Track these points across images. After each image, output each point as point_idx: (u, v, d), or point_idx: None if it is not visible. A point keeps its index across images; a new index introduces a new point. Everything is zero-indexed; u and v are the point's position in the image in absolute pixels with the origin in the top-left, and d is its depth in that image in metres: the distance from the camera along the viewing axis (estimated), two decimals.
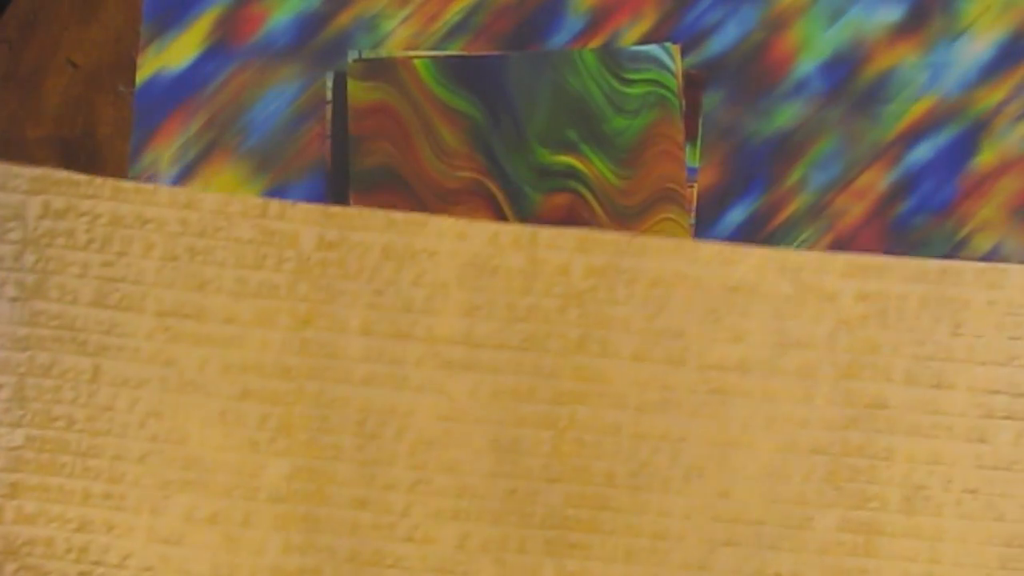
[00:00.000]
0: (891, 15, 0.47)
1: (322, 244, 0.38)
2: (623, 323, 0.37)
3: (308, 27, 0.48)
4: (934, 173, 0.46)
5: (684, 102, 0.47)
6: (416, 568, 0.37)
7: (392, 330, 0.38)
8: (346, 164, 0.47)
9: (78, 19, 0.49)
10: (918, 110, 0.46)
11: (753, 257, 0.37)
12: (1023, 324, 0.37)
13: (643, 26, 0.47)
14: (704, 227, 0.46)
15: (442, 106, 0.47)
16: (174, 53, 0.48)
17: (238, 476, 0.38)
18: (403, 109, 0.47)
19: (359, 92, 0.47)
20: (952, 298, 0.37)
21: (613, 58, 0.47)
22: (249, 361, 0.38)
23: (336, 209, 0.39)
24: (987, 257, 0.45)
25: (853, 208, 0.46)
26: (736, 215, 0.46)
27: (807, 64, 0.47)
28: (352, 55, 0.47)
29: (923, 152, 0.46)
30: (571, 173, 0.46)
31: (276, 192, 0.47)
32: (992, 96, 0.46)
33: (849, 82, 0.47)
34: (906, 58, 0.47)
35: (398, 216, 0.39)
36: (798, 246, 0.46)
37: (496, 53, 0.47)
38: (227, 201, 0.39)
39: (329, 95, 0.47)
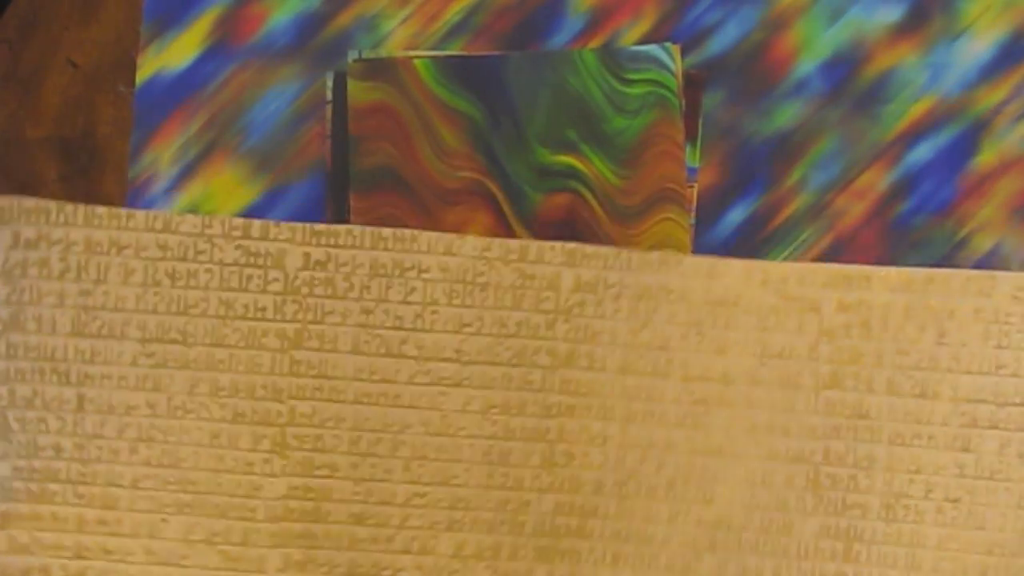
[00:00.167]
0: (891, 15, 0.47)
1: (308, 263, 0.38)
2: (610, 336, 0.38)
3: (308, 27, 0.48)
4: (934, 173, 0.46)
5: (684, 102, 0.47)
6: None
7: (383, 348, 0.38)
8: (346, 164, 0.47)
9: (78, 19, 0.49)
10: (918, 110, 0.46)
11: (737, 269, 0.37)
12: (1010, 332, 0.37)
13: (643, 26, 0.47)
14: (704, 227, 0.46)
15: (442, 106, 0.47)
16: (174, 53, 0.48)
17: (234, 497, 0.38)
18: (403, 109, 0.47)
19: (359, 92, 0.47)
20: (937, 307, 0.37)
21: (613, 58, 0.47)
22: (240, 383, 0.38)
23: (322, 227, 0.39)
24: (987, 257, 0.45)
25: (853, 208, 0.46)
26: (736, 215, 0.46)
27: (807, 64, 0.47)
28: (352, 55, 0.47)
29: (923, 152, 0.46)
30: (571, 173, 0.46)
31: (276, 192, 0.47)
32: (992, 96, 0.46)
33: (849, 82, 0.47)
34: (906, 58, 0.47)
35: (386, 232, 0.39)
36: (798, 246, 0.46)
37: (496, 53, 0.47)
38: (207, 223, 0.38)
39: (329, 95, 0.47)
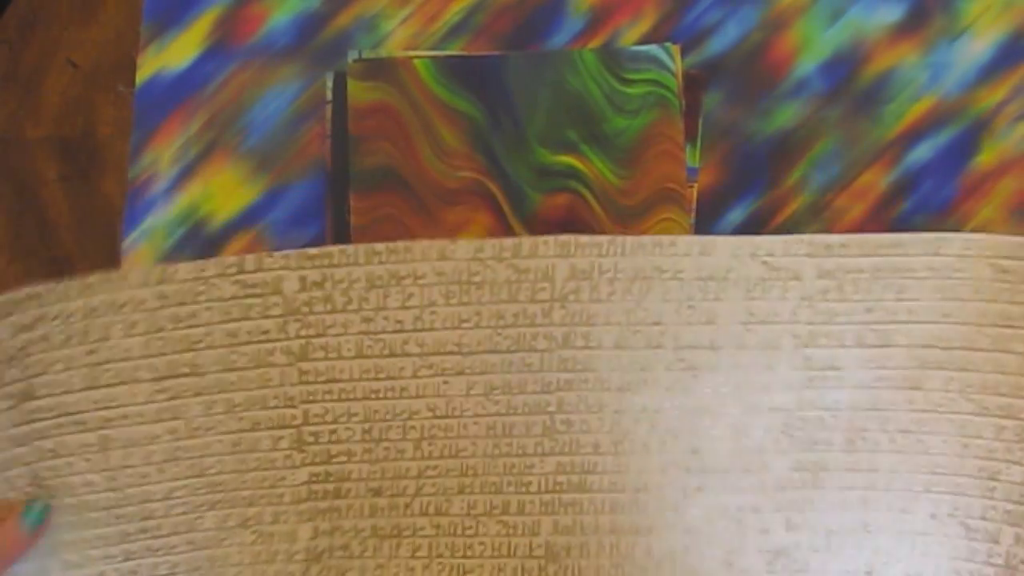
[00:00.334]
0: (891, 15, 0.47)
1: (305, 285, 0.41)
2: (605, 318, 0.41)
3: (308, 27, 0.48)
4: (934, 173, 0.46)
5: (684, 102, 0.47)
6: (431, 534, 0.42)
7: (386, 350, 0.41)
8: (346, 164, 0.47)
9: (78, 19, 0.49)
10: (918, 110, 0.46)
11: (728, 245, 0.41)
12: (955, 287, 0.41)
13: (643, 26, 0.47)
14: (704, 227, 0.46)
15: (442, 106, 0.47)
16: (174, 53, 0.48)
17: (260, 489, 0.42)
18: (403, 109, 0.47)
19: (359, 92, 0.47)
20: (899, 267, 0.41)
21: (613, 58, 0.47)
22: (253, 398, 0.41)
23: (314, 251, 0.41)
24: None
25: (853, 208, 0.46)
26: (736, 215, 0.46)
27: (807, 64, 0.47)
28: (352, 55, 0.47)
29: (923, 152, 0.46)
30: (571, 173, 0.46)
31: (276, 192, 0.47)
32: (992, 96, 0.46)
33: (849, 82, 0.47)
34: (906, 58, 0.47)
35: (379, 247, 0.41)
36: None
37: (496, 53, 0.47)
38: (201, 267, 0.41)
39: (329, 95, 0.47)
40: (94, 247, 0.47)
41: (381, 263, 0.41)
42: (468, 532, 0.42)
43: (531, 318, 0.41)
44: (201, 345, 0.41)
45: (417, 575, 0.42)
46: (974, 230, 0.45)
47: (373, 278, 0.41)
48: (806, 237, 0.41)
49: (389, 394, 0.41)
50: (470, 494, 0.42)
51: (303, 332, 0.41)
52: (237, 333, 0.41)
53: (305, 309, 0.41)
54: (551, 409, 0.42)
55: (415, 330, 0.41)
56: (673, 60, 0.47)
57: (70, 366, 0.41)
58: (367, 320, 0.41)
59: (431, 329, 0.41)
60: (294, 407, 0.41)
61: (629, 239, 0.41)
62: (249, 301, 0.41)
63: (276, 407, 0.41)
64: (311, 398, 0.41)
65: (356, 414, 0.41)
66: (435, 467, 0.42)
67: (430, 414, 0.42)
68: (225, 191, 0.47)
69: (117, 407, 0.41)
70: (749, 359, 0.41)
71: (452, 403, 0.41)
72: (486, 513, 0.42)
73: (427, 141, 0.46)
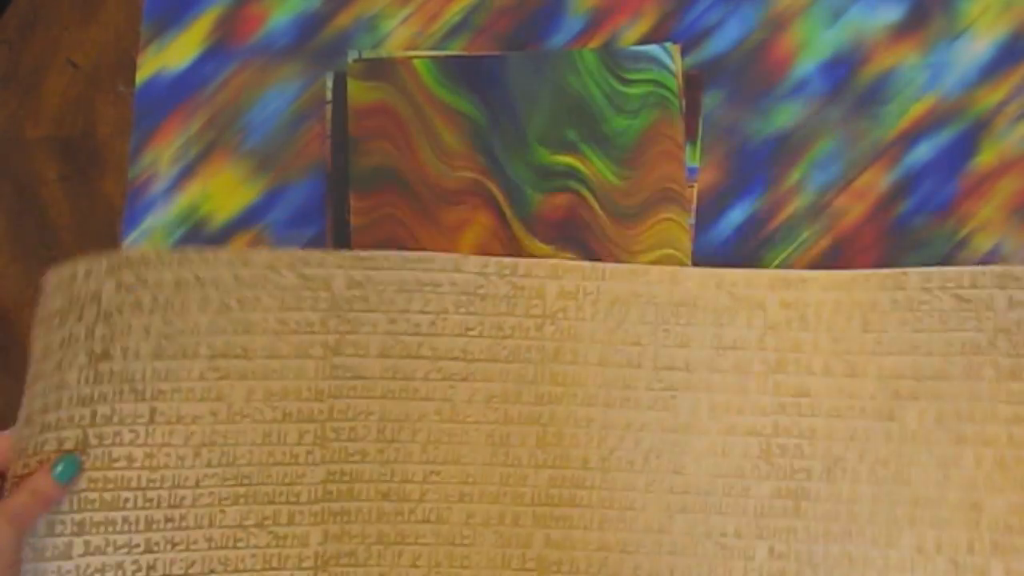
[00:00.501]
0: (891, 15, 0.47)
1: (351, 283, 0.44)
2: (589, 335, 0.44)
3: (308, 27, 0.48)
4: (934, 173, 0.46)
5: (684, 102, 0.47)
6: (431, 543, 0.43)
7: (404, 351, 0.44)
8: (346, 164, 0.47)
9: (78, 19, 0.49)
10: (918, 110, 0.46)
11: (694, 276, 0.44)
12: (921, 318, 0.43)
13: (643, 26, 0.47)
14: (704, 227, 0.46)
15: (442, 106, 0.47)
16: (174, 53, 0.48)
17: (281, 485, 0.43)
18: (403, 109, 0.47)
19: (359, 92, 0.47)
20: (860, 301, 0.44)
21: (613, 58, 0.47)
22: (289, 388, 0.44)
23: (365, 253, 0.44)
24: (987, 257, 0.45)
25: (853, 208, 0.46)
26: (736, 215, 0.46)
27: (807, 64, 0.47)
28: (352, 55, 0.47)
29: (923, 152, 0.46)
30: (571, 173, 0.46)
31: (276, 192, 0.47)
32: (992, 96, 0.46)
33: (849, 82, 0.46)
34: (906, 58, 0.47)
35: (409, 255, 0.44)
36: (798, 246, 0.46)
37: (496, 53, 0.47)
38: (277, 256, 0.44)
39: (329, 95, 0.47)
40: (94, 247, 0.47)
41: (409, 269, 0.44)
42: (466, 542, 0.43)
43: (526, 331, 0.44)
44: (256, 329, 0.44)
45: None
46: (974, 230, 0.45)
47: (401, 282, 0.44)
48: (765, 272, 0.44)
49: (403, 394, 0.44)
50: (469, 502, 0.43)
51: (340, 327, 0.44)
52: (287, 322, 0.44)
53: (345, 307, 0.44)
54: (543, 421, 0.44)
55: (429, 334, 0.44)
56: (673, 60, 0.47)
57: (147, 333, 0.43)
58: (392, 320, 0.44)
59: (442, 334, 0.44)
60: (322, 401, 0.44)
61: (609, 266, 0.45)
62: (303, 293, 0.44)
63: (307, 399, 0.44)
64: (338, 393, 0.44)
65: (373, 413, 0.44)
66: (438, 473, 0.43)
67: (437, 417, 0.44)
68: (225, 191, 0.47)
69: (173, 381, 0.43)
70: (722, 382, 0.44)
71: (457, 408, 0.44)
72: (483, 523, 0.43)
73: (427, 141, 0.46)
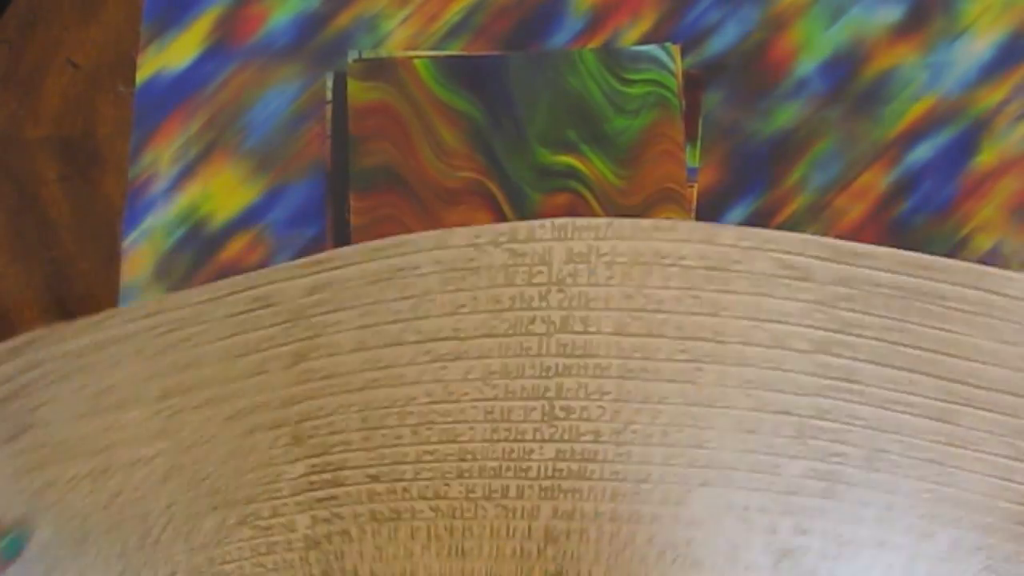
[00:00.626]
0: (891, 15, 0.47)
1: (312, 290, 0.42)
2: (603, 302, 0.41)
3: (308, 27, 0.48)
4: (934, 173, 0.46)
5: (684, 102, 0.47)
6: (430, 517, 0.42)
7: (382, 340, 0.42)
8: (346, 164, 0.47)
9: (78, 19, 0.49)
10: (918, 110, 0.46)
11: (732, 236, 0.41)
12: (998, 326, 0.40)
13: (643, 26, 0.47)
14: None
15: (442, 106, 0.47)
16: (174, 53, 0.48)
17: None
18: (403, 109, 0.47)
19: (359, 92, 0.47)
20: (928, 291, 0.40)
21: (613, 58, 0.47)
22: (258, 403, 0.42)
23: (325, 255, 0.42)
24: (987, 257, 0.45)
25: (853, 208, 0.46)
26: (736, 215, 0.46)
27: (807, 64, 0.47)
28: (352, 55, 0.47)
29: (923, 152, 0.46)
30: (571, 173, 0.46)
31: (276, 192, 0.47)
32: (992, 96, 0.46)
33: (849, 82, 0.47)
34: (906, 58, 0.47)
35: (380, 243, 0.41)
36: None
37: (496, 53, 0.47)
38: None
39: (329, 95, 0.47)
40: (94, 247, 0.47)
41: (384, 259, 0.42)
42: (467, 515, 0.42)
43: (528, 302, 0.41)
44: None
45: (416, 556, 0.42)
46: (974, 230, 0.45)
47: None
48: (818, 239, 0.41)
49: (386, 382, 0.42)
50: (468, 478, 0.42)
51: (303, 335, 0.42)
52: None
53: (308, 313, 0.42)
54: (550, 395, 0.41)
55: (412, 319, 0.42)
56: (673, 60, 0.47)
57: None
58: (365, 315, 0.42)
59: (427, 317, 0.42)
60: (289, 408, 0.42)
61: (628, 222, 0.41)
62: (260, 312, 0.42)
63: (275, 408, 0.42)
64: (310, 395, 0.42)
65: (352, 405, 0.42)
66: (433, 452, 0.42)
67: (428, 399, 0.42)
68: (225, 191, 0.47)
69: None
70: (757, 355, 0.40)
71: (450, 388, 0.42)
72: (485, 497, 0.42)
73: (427, 141, 0.46)
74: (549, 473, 0.41)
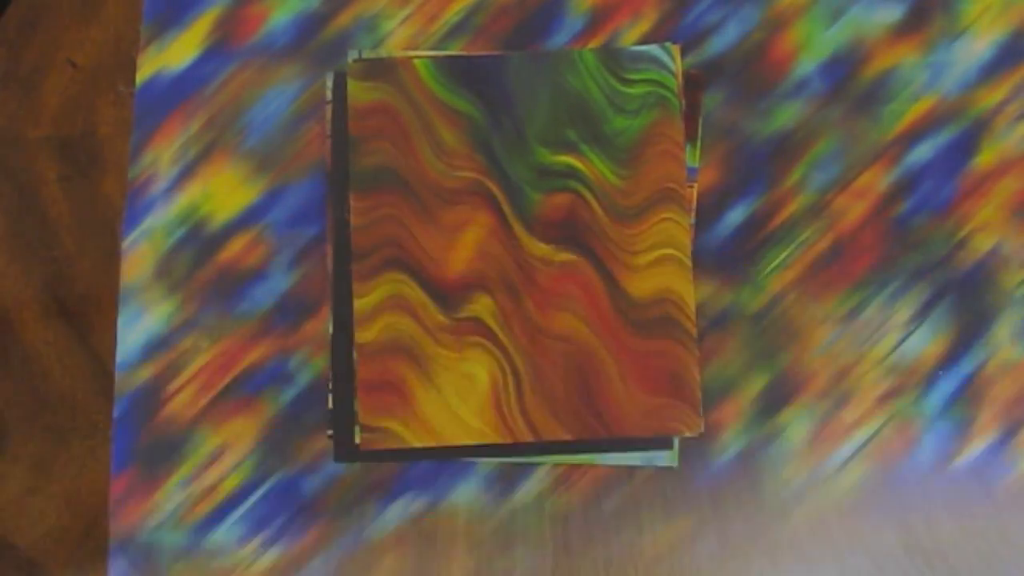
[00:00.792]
0: (891, 15, 0.47)
1: None
2: None
3: (308, 27, 0.48)
4: (934, 173, 0.46)
5: (684, 102, 0.47)
6: None
7: None
8: (346, 164, 0.47)
9: (78, 19, 0.49)
10: (918, 110, 0.46)
11: None
12: None
13: (643, 26, 0.47)
14: (704, 227, 0.46)
15: (442, 106, 0.47)
16: (174, 53, 0.48)
17: None
18: (403, 109, 0.47)
19: (359, 92, 0.47)
20: None
21: (613, 58, 0.47)
22: None
23: None
24: (987, 257, 0.45)
25: (853, 208, 0.46)
26: (736, 215, 0.46)
27: (807, 64, 0.47)
28: (352, 55, 0.47)
29: (923, 152, 0.46)
30: (571, 173, 0.46)
31: (276, 192, 0.47)
32: (992, 96, 0.46)
33: (849, 82, 0.46)
34: (906, 58, 0.47)
35: None
36: (798, 246, 0.46)
37: (496, 53, 0.47)
38: None
39: (329, 95, 0.47)
40: (94, 247, 0.47)
41: None
42: None
43: None
44: None
45: None
46: (974, 230, 0.45)
47: None
48: None
49: None
50: None
51: None
52: None
53: None
54: None
55: None
56: (673, 60, 0.47)
57: None
58: None
59: None
60: None
61: None
62: None
63: None
64: None
65: None
66: None
67: None
68: (225, 191, 0.47)
69: None
70: None
71: None
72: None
73: (427, 141, 0.46)
74: None
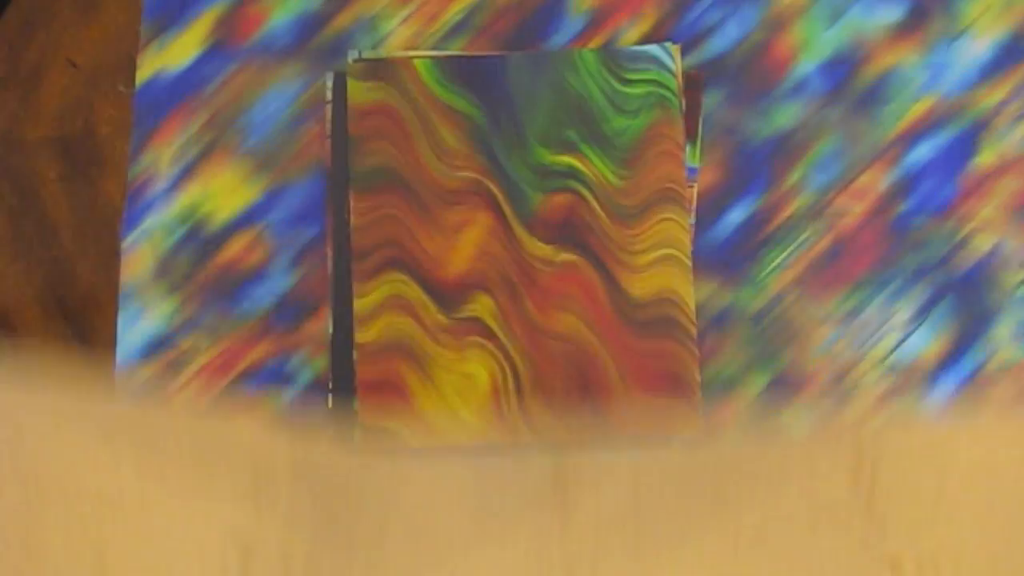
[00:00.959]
0: (891, 15, 0.47)
1: None
2: None
3: (308, 27, 0.48)
4: (934, 173, 0.46)
5: (684, 102, 0.47)
6: None
7: None
8: (346, 164, 0.47)
9: (78, 19, 0.49)
10: (918, 110, 0.46)
11: None
12: None
13: (643, 26, 0.47)
14: (704, 227, 0.46)
15: (442, 106, 0.47)
16: (174, 53, 0.48)
17: None
18: (403, 109, 0.47)
19: (359, 92, 0.47)
20: None
21: (613, 58, 0.47)
22: None
23: None
24: (987, 257, 0.45)
25: (853, 208, 0.46)
26: (736, 215, 0.46)
27: (807, 64, 0.47)
28: (352, 55, 0.47)
29: (923, 152, 0.46)
30: (571, 173, 0.46)
31: (276, 192, 0.47)
32: (992, 96, 0.46)
33: (849, 82, 0.47)
34: (906, 58, 0.47)
35: None
36: (798, 246, 0.46)
37: (496, 53, 0.47)
38: None
39: (329, 95, 0.47)
40: (94, 247, 0.47)
41: None
42: None
43: None
44: None
45: None
46: (974, 230, 0.45)
47: None
48: None
49: None
50: None
51: None
52: None
53: None
54: None
55: None
56: (673, 60, 0.47)
57: None
58: None
59: None
60: None
61: None
62: None
63: None
64: None
65: None
66: None
67: None
68: (225, 191, 0.47)
69: None
70: None
71: None
72: None
73: (427, 141, 0.46)
74: None
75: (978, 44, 0.46)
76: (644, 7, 0.47)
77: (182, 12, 0.48)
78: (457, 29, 0.48)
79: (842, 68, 0.47)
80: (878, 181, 0.46)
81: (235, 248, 0.46)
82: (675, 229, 0.46)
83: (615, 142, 0.46)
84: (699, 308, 0.46)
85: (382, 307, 0.45)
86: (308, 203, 0.47)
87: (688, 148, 0.46)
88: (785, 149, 0.46)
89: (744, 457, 0.41)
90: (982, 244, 0.45)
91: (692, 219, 0.46)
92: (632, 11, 0.47)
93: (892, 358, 0.45)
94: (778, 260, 0.46)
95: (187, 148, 0.47)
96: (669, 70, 0.47)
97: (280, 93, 0.48)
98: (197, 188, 0.47)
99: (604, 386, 0.45)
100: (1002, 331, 0.45)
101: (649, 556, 0.40)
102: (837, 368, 0.45)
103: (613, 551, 0.41)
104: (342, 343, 0.46)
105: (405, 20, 0.48)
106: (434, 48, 0.47)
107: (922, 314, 0.45)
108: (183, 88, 0.48)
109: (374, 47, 0.48)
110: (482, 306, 0.45)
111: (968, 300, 0.45)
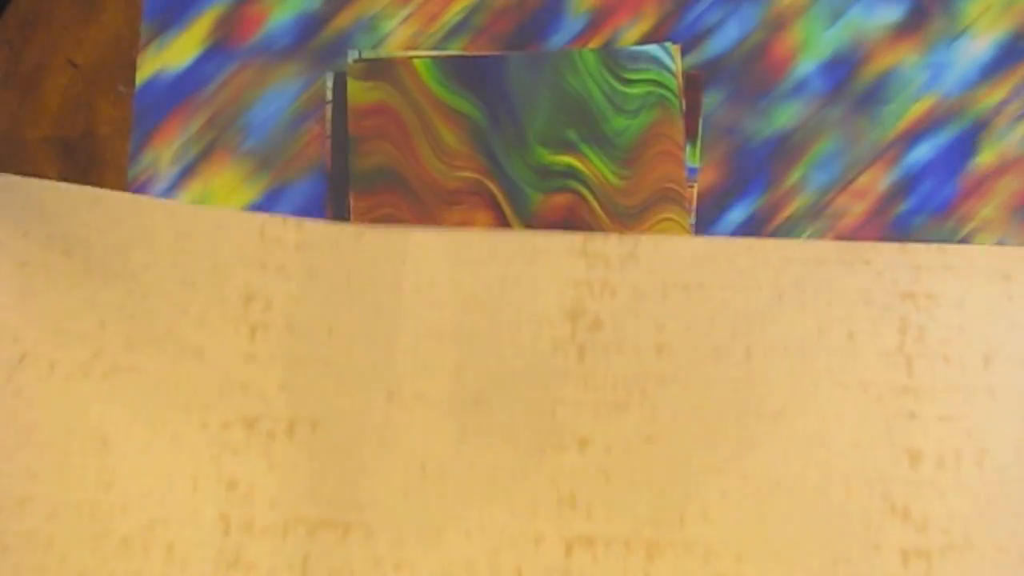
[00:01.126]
0: (891, 15, 0.47)
1: None
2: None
3: (308, 27, 0.48)
4: (934, 173, 0.46)
5: (684, 102, 0.47)
6: None
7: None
8: (346, 164, 0.47)
9: (78, 19, 0.49)
10: (918, 110, 0.46)
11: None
12: None
13: (643, 26, 0.47)
14: (704, 227, 0.46)
15: (442, 106, 0.47)
16: (174, 53, 0.48)
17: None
18: (403, 109, 0.47)
19: (359, 92, 0.47)
20: None
21: (613, 58, 0.47)
22: None
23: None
24: None
25: (853, 208, 0.46)
26: (736, 215, 0.46)
27: (807, 64, 0.47)
28: (352, 55, 0.47)
29: (923, 152, 0.46)
30: (571, 173, 0.46)
31: (276, 192, 0.47)
32: (992, 96, 0.46)
33: (849, 82, 0.47)
34: (906, 58, 0.47)
35: None
36: None
37: (496, 53, 0.47)
38: None
39: (329, 95, 0.47)
40: None
41: None
42: None
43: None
44: None
45: None
46: (974, 230, 0.45)
47: None
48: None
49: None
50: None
51: None
52: None
53: None
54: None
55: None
56: (673, 60, 0.47)
57: None
58: None
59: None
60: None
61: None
62: None
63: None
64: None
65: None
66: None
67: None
68: (225, 191, 0.47)
69: None
70: None
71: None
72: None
73: (427, 141, 0.46)
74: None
75: (978, 44, 0.46)
76: (644, 7, 0.47)
77: (182, 12, 0.48)
78: (457, 29, 0.48)
79: (842, 68, 0.47)
80: (878, 181, 0.46)
81: None
82: (675, 229, 0.46)
83: (615, 142, 0.46)
84: None
85: None
86: (308, 203, 0.47)
87: (688, 148, 0.46)
88: (785, 149, 0.46)
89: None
90: (982, 244, 0.45)
91: (692, 219, 0.46)
92: (632, 11, 0.47)
93: None
94: None
95: (187, 148, 0.47)
96: (669, 70, 0.47)
97: (280, 93, 0.48)
98: (197, 188, 0.47)
99: None
100: None
101: None
102: None
103: None
104: None
105: (405, 20, 0.48)
106: (434, 48, 0.47)
107: None
108: (183, 88, 0.48)
109: (374, 47, 0.48)
110: None
111: None
